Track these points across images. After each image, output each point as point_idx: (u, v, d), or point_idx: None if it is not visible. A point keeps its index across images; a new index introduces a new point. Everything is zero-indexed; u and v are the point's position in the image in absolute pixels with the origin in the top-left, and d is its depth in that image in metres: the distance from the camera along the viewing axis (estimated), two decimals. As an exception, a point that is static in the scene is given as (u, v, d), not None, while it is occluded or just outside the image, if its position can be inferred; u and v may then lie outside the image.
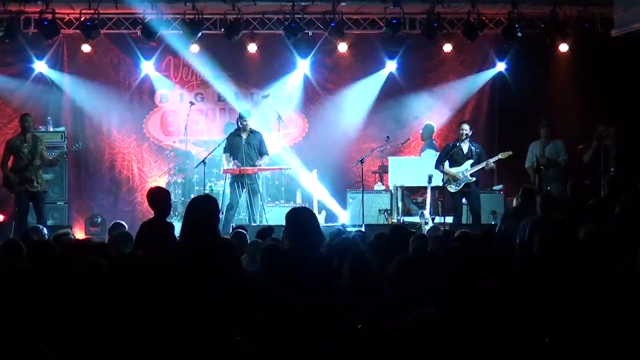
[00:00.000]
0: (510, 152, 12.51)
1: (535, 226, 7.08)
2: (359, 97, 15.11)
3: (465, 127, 12.47)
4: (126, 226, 8.99)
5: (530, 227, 7.37)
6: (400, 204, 13.66)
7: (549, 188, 13.02)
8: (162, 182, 14.68)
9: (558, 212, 7.77)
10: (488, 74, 15.12)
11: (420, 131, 14.78)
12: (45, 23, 13.28)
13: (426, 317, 3.34)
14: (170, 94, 15.14)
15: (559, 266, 4.69)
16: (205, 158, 13.29)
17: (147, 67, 14.73)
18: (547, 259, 4.87)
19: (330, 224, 12.55)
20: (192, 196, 13.42)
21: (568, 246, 4.83)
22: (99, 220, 13.96)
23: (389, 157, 14.28)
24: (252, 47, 14.37)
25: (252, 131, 12.76)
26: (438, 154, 13.18)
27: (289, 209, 12.05)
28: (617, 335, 4.13)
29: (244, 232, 8.15)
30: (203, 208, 5.30)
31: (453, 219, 12.28)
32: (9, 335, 3.84)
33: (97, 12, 13.35)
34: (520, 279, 4.65)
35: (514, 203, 10.78)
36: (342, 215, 13.90)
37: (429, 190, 12.55)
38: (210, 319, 4.64)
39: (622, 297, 4.41)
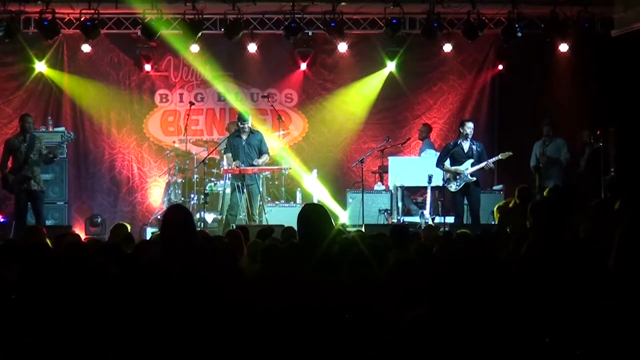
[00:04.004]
0: (510, 153, 12.51)
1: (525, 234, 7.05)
2: (359, 97, 15.12)
3: (470, 125, 12.43)
4: (129, 227, 8.97)
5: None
6: (400, 204, 13.66)
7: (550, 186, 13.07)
8: (162, 182, 14.70)
9: (549, 219, 7.69)
10: (488, 74, 15.12)
11: (418, 131, 14.79)
12: (45, 23, 13.27)
13: (424, 318, 3.34)
14: (170, 94, 15.14)
15: (558, 267, 4.68)
16: (205, 158, 13.30)
17: (147, 67, 14.73)
18: (545, 260, 4.88)
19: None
20: (192, 195, 13.53)
21: (563, 250, 4.83)
22: (99, 220, 13.97)
23: (389, 157, 14.29)
24: (252, 47, 14.37)
25: (252, 131, 12.79)
26: (438, 153, 13.18)
27: (289, 209, 12.01)
28: (617, 334, 4.12)
29: (240, 232, 8.11)
30: (175, 216, 5.34)
31: (454, 219, 12.27)
32: (9, 336, 3.84)
33: (97, 12, 13.35)
34: (519, 279, 4.64)
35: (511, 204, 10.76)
36: (342, 215, 13.90)
37: (429, 190, 12.56)
38: (193, 321, 4.64)
39: (621, 296, 4.41)
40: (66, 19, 13.78)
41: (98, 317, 4.50)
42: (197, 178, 13.72)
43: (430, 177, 12.38)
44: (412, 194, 14.18)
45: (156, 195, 14.87)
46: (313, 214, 5.65)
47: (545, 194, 9.66)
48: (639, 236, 4.39)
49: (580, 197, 9.24)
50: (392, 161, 14.14)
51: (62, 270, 5.19)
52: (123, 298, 4.76)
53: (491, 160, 12.40)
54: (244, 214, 12.53)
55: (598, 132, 13.25)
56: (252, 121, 13.23)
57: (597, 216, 7.63)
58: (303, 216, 5.64)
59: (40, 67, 14.45)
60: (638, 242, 4.37)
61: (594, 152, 13.28)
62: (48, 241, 7.41)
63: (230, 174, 12.72)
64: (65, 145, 13.57)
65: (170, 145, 14.76)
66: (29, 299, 4.74)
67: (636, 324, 4.06)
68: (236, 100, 14.96)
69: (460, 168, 12.28)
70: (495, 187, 14.00)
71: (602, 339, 4.11)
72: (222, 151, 13.09)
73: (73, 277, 5.02)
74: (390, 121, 15.18)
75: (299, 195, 14.05)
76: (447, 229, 10.48)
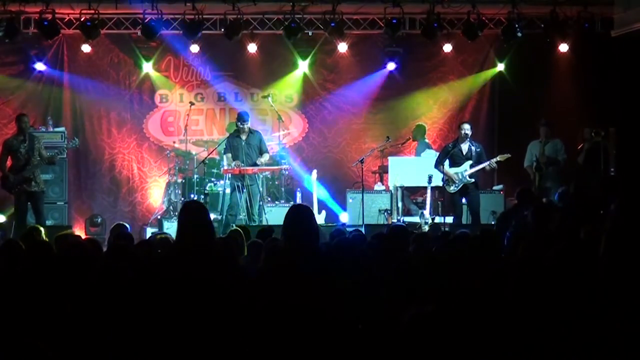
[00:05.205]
0: (509, 155, 12.50)
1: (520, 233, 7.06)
2: (359, 97, 15.12)
3: (466, 127, 12.45)
4: (128, 227, 8.98)
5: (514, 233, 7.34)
6: (400, 204, 13.66)
7: (549, 187, 13.10)
8: (162, 182, 14.70)
9: (551, 223, 7.68)
10: (488, 74, 15.12)
11: (412, 131, 14.76)
12: (45, 23, 13.27)
13: (424, 317, 3.34)
14: (170, 94, 15.13)
15: (559, 267, 4.69)
16: (205, 158, 13.30)
17: (147, 67, 14.74)
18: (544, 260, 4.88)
19: (330, 224, 12.55)
20: (192, 195, 13.53)
21: (564, 251, 4.84)
22: (99, 220, 13.98)
23: (389, 157, 14.28)
24: (252, 47, 14.37)
25: (251, 131, 12.80)
26: (438, 153, 13.17)
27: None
28: (617, 334, 4.13)
29: (241, 231, 8.12)
30: (195, 210, 5.33)
31: (453, 219, 12.27)
32: (9, 336, 3.84)
33: (97, 12, 13.35)
34: (518, 279, 4.65)
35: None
36: (342, 215, 13.90)
37: (429, 190, 12.55)
38: (206, 319, 4.65)
39: (621, 295, 4.41)
40: (66, 19, 13.77)
41: (104, 317, 4.51)
42: (197, 178, 13.72)
43: (430, 177, 12.38)
44: (412, 194, 14.18)
45: (156, 195, 14.87)
46: (301, 214, 5.59)
47: (556, 198, 9.62)
48: (628, 227, 4.41)
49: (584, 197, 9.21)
50: (392, 161, 14.13)
51: (66, 271, 5.20)
52: (134, 299, 4.76)
53: (493, 160, 12.37)
54: (244, 214, 12.53)
55: (599, 129, 13.24)
56: (252, 121, 13.23)
57: (597, 217, 7.63)
58: (291, 217, 5.58)
59: (40, 67, 14.44)
60: (627, 233, 4.38)
61: (593, 148, 13.27)
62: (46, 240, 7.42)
63: (230, 174, 12.72)
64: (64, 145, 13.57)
65: (170, 145, 14.77)
66: (31, 299, 4.74)
67: (635, 323, 4.07)
68: (236, 100, 14.99)
69: (458, 170, 12.28)
70: (495, 187, 14.00)
71: (602, 340, 4.11)
72: (222, 151, 13.09)
73: (81, 279, 5.03)
74: (390, 121, 15.18)
75: (299, 195, 14.05)
76: (447, 229, 10.48)
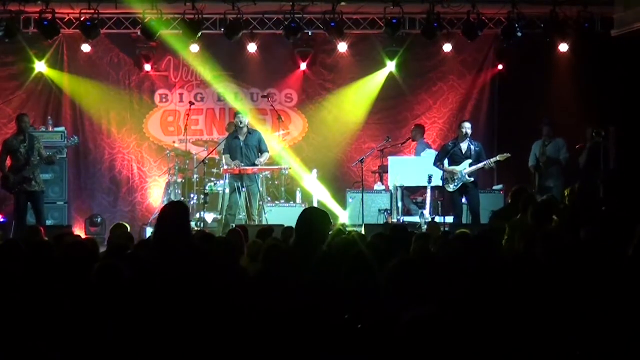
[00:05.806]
0: (509, 155, 12.48)
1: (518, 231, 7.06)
2: (359, 97, 15.12)
3: (467, 125, 12.43)
4: (128, 227, 8.97)
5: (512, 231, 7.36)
6: (400, 204, 13.66)
7: (550, 186, 13.11)
8: (162, 182, 14.70)
9: (551, 223, 7.67)
10: (488, 74, 15.12)
11: (412, 131, 14.73)
12: (45, 23, 13.27)
13: (424, 317, 3.34)
14: (170, 94, 15.14)
15: (557, 269, 4.69)
16: (205, 158, 13.30)
17: (147, 67, 14.73)
18: (547, 263, 4.88)
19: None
20: (192, 195, 13.54)
21: (564, 252, 4.84)
22: (99, 220, 13.98)
23: (389, 157, 14.29)
24: (252, 47, 14.38)
25: (250, 131, 12.80)
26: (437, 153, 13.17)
27: (289, 209, 12.09)
28: (617, 334, 4.13)
29: (241, 231, 8.11)
30: (173, 212, 5.40)
31: (453, 219, 12.26)
32: (9, 336, 3.84)
33: (97, 12, 13.35)
34: (517, 279, 4.65)
35: None
36: (342, 215, 13.90)
37: (429, 190, 12.55)
38: (206, 320, 4.65)
39: (621, 295, 4.41)
40: (66, 19, 13.77)
41: (103, 317, 4.51)
42: (197, 178, 13.73)
43: (430, 177, 12.38)
44: (412, 194, 14.18)
45: (156, 195, 14.87)
46: (314, 217, 5.70)
47: (566, 194, 9.61)
48: None
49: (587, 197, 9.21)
50: (392, 161, 14.14)
51: (66, 271, 5.19)
52: (132, 299, 4.77)
53: (492, 160, 12.37)
54: (243, 213, 12.54)
55: (600, 130, 13.25)
56: (252, 121, 13.22)
57: (598, 217, 7.63)
58: (304, 219, 5.67)
59: (40, 67, 14.45)
60: None
61: (594, 148, 13.27)
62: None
63: (229, 175, 12.72)
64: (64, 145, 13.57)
65: (170, 145, 14.77)
66: (31, 299, 4.74)
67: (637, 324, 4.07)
68: (236, 100, 14.97)
69: (458, 168, 12.27)
70: (495, 187, 14.00)
71: (602, 340, 4.11)
72: (221, 152, 13.11)
73: (81, 278, 5.02)
74: (390, 121, 15.19)
75: (299, 195, 14.05)
76: (447, 229, 10.48)
